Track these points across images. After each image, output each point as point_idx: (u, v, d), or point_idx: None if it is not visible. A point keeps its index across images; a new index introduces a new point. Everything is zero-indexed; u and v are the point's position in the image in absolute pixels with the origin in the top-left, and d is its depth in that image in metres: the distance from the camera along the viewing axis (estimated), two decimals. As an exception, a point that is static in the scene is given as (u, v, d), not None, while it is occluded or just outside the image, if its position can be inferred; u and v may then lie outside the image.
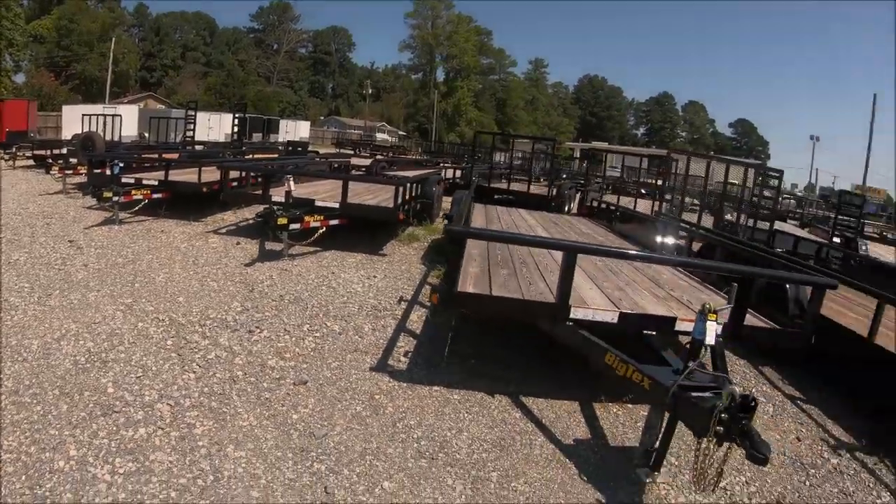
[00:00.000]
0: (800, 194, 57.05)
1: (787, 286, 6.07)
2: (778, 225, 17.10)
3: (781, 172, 13.18)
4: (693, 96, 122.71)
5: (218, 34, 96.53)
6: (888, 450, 5.01)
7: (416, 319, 6.65)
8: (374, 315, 6.61)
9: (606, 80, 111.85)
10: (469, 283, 5.20)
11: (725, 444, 3.43)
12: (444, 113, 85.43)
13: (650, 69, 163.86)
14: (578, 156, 28.61)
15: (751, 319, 5.23)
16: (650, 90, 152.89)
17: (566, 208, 15.88)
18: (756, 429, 3.40)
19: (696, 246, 9.17)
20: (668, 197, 14.84)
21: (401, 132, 79.59)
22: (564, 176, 23.70)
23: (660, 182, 16.74)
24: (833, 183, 64.77)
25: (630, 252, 6.06)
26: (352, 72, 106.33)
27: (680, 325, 4.76)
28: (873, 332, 5.61)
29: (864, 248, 15.76)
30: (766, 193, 12.91)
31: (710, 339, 4.07)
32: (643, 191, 17.38)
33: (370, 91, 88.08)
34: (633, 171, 21.97)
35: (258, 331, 5.76)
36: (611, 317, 4.75)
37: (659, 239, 9.24)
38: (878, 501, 4.32)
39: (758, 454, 3.26)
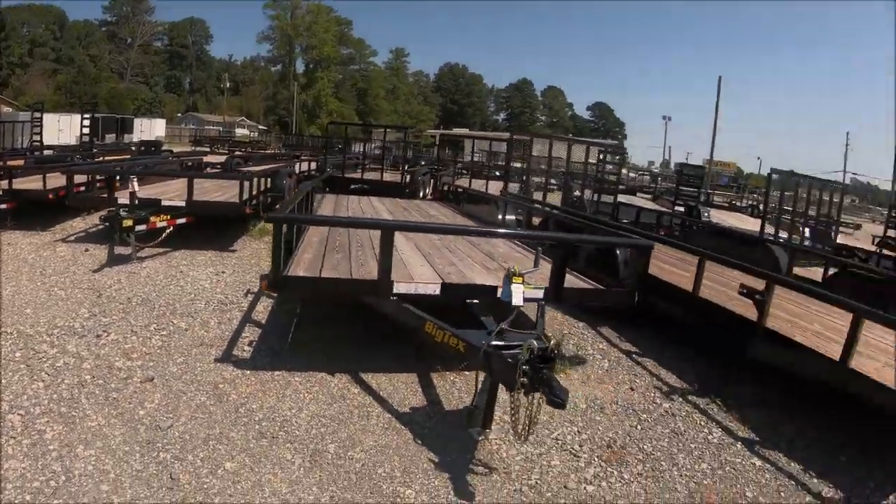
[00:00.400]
0: (656, 170, 60.53)
1: (618, 251, 6.49)
2: (625, 198, 18.19)
3: (623, 150, 13.99)
4: (552, 82, 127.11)
5: (68, 27, 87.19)
6: (718, 390, 5.50)
7: (262, 310, 6.66)
8: (220, 309, 6.56)
9: (467, 67, 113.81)
10: (300, 267, 5.32)
11: (534, 395, 3.67)
12: (304, 105, 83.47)
13: (510, 56, 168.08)
14: (439, 142, 28.98)
15: (576, 282, 5.67)
16: (510, 77, 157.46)
17: (421, 194, 16.27)
18: (556, 377, 3.69)
19: (538, 220, 9.72)
20: (516, 178, 15.47)
21: (261, 126, 77.03)
22: (423, 163, 24.01)
23: (518, 164, 17.31)
24: (686, 159, 69.00)
25: (449, 226, 6.49)
26: (210, 65, 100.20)
27: (500, 293, 5.03)
28: (697, 287, 6.11)
29: (705, 214, 17.01)
30: (610, 169, 13.68)
31: (517, 301, 4.36)
32: (497, 173, 17.91)
33: (228, 85, 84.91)
34: (494, 155, 22.61)
35: (105, 334, 5.58)
36: (433, 289, 5.03)
37: (500, 216, 9.72)
38: (710, 437, 4.71)
39: (556, 399, 3.53)
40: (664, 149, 75.79)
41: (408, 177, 16.88)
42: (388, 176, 16.85)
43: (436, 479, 3.77)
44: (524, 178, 15.28)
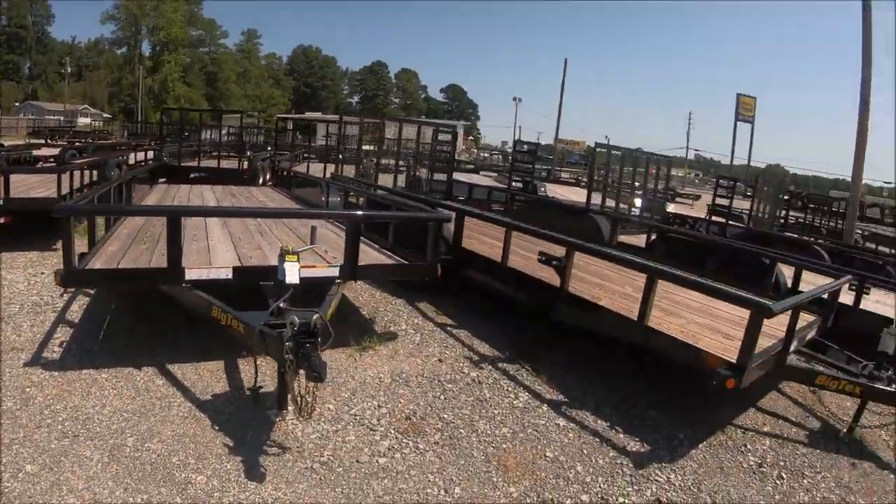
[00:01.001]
0: (508, 150, 62.12)
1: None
2: (464, 176, 18.49)
3: (454, 129, 14.14)
4: (406, 64, 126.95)
5: None
6: (530, 357, 5.66)
7: (78, 309, 6.09)
8: (35, 311, 5.93)
9: (321, 50, 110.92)
10: (99, 260, 5.01)
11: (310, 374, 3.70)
12: (150, 91, 77.20)
13: (364, 38, 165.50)
14: (291, 127, 28.16)
15: (377, 258, 5.77)
16: (364, 59, 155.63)
17: (260, 180, 15.82)
18: (317, 352, 3.71)
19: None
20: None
21: (105, 115, 71.45)
22: (269, 149, 23.27)
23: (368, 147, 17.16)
24: (538, 138, 71.11)
25: (237, 209, 6.53)
26: (51, 48, 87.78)
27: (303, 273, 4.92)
28: (505, 257, 6.24)
29: (541, 189, 17.54)
30: (445, 149, 13.76)
31: (291, 279, 4.27)
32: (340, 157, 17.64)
33: (70, 70, 77.93)
34: (347, 138, 22.26)
35: None
36: (225, 273, 4.90)
37: (324, 198, 9.60)
38: (516, 402, 4.82)
39: (314, 373, 3.59)
40: (514, 129, 77.78)
41: (245, 163, 16.38)
42: (227, 163, 16.26)
43: (228, 462, 3.66)
44: (363, 160, 15.22)
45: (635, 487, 3.83)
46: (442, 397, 4.78)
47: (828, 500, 4.03)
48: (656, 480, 3.94)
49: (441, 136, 13.59)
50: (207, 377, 4.76)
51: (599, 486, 3.78)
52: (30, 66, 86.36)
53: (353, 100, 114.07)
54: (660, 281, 4.82)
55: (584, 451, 4.18)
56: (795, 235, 14.34)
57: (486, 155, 52.60)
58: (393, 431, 4.19)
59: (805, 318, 5.58)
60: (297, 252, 4.46)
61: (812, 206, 18.86)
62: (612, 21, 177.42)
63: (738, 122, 54.86)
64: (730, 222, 13.25)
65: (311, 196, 10.57)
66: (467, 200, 12.35)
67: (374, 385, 4.87)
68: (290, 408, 3.95)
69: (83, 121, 60.84)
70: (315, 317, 3.82)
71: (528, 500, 3.54)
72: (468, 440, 4.18)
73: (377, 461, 3.82)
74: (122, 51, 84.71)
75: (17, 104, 71.08)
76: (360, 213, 6.50)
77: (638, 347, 4.98)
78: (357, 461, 3.81)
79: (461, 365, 5.46)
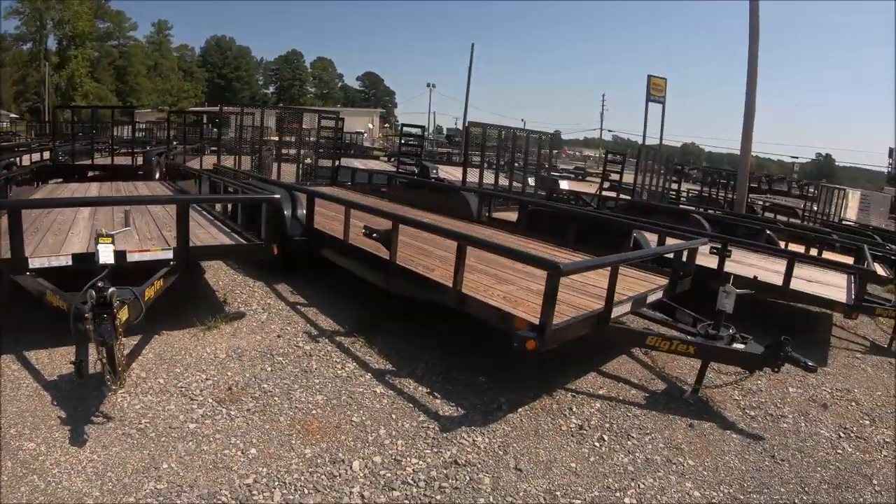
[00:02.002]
0: (429, 136, 62.26)
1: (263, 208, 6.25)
2: (360, 162, 18.56)
3: (337, 114, 14.19)
4: (323, 53, 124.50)
5: None
6: (369, 329, 5.76)
7: None
8: None
9: (234, 40, 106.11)
10: None
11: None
12: (58, 87, 72.82)
13: (279, 27, 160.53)
14: (206, 120, 27.49)
15: (211, 239, 5.90)
16: (279, 48, 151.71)
17: (157, 175, 15.48)
18: (112, 323, 3.78)
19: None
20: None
21: (12, 115, 67.17)
22: (176, 144, 22.61)
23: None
24: (455, 124, 71.41)
25: (69, 199, 7.46)
26: None
27: (130, 257, 4.98)
28: (346, 234, 6.36)
29: (434, 172, 17.77)
30: (328, 135, 13.81)
31: (107, 260, 4.35)
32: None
33: (-28, 70, 72.95)
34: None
35: None
36: (65, 260, 4.89)
37: (199, 189, 9.64)
38: (341, 372, 4.88)
39: (100, 338, 3.72)
40: (429, 115, 77.95)
41: (139, 159, 15.99)
42: (119, 160, 15.83)
43: (58, 432, 3.70)
44: (258, 151, 15.12)
45: (434, 450, 3.82)
46: (269, 369, 4.81)
47: (651, 460, 3.98)
48: (460, 443, 3.92)
49: (325, 124, 13.66)
50: (59, 360, 4.67)
51: (397, 448, 3.80)
52: None
53: (268, 90, 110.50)
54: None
55: (393, 416, 4.20)
56: (679, 206, 15.04)
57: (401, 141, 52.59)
58: (211, 401, 4.22)
59: (651, 281, 5.90)
60: (111, 235, 4.55)
61: (710, 179, 20.01)
62: (528, 6, 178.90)
63: (650, 103, 56.20)
64: (620, 196, 13.84)
65: (189, 187, 10.50)
66: (352, 185, 12.47)
67: (208, 361, 4.87)
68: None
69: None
70: (110, 290, 3.86)
71: (320, 461, 3.61)
72: (279, 407, 4.23)
73: (188, 427, 3.86)
74: (27, 46, 79.34)
75: (-84, 110, 66.09)
76: (188, 196, 6.53)
77: (461, 314, 4.92)
78: (170, 427, 3.84)
79: (298, 340, 5.48)
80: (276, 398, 4.37)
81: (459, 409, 4.42)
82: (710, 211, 14.38)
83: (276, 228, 6.17)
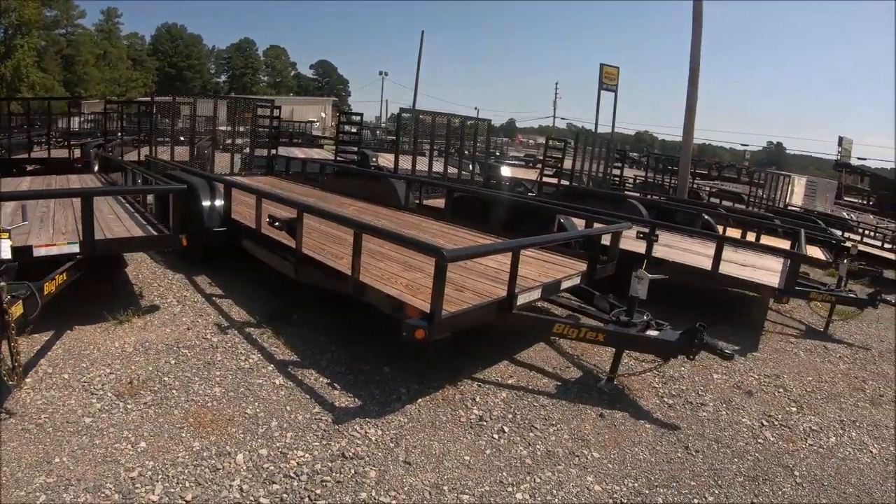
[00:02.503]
0: (381, 124, 62.08)
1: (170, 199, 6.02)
2: (301, 151, 18.41)
3: (272, 102, 14.05)
4: (275, 41, 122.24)
5: None
6: (280, 320, 5.70)
7: None
8: None
9: (186, 28, 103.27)
10: None
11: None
12: (3, 79, 70.64)
13: (231, 14, 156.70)
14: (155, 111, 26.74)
15: (127, 232, 5.78)
16: (231, 37, 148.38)
17: (96, 167, 15.15)
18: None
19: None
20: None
21: None
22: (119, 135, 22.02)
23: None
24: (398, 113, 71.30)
25: None
26: None
27: (37, 251, 4.92)
28: (258, 224, 6.22)
29: (373, 160, 17.74)
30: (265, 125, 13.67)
31: (4, 255, 4.28)
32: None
33: None
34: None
35: None
36: None
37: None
38: (244, 364, 4.79)
39: None
40: (381, 103, 77.47)
41: (78, 152, 15.61)
42: (57, 152, 15.42)
43: None
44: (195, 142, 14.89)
45: (323, 442, 3.72)
46: (173, 362, 4.69)
47: (552, 453, 3.85)
48: (351, 435, 3.81)
49: (260, 112, 13.50)
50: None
51: (285, 441, 3.71)
52: None
53: (220, 79, 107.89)
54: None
55: (288, 408, 4.11)
56: (616, 192, 15.26)
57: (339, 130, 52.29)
58: (110, 395, 4.10)
59: (570, 267, 5.86)
60: (7, 230, 4.45)
61: (657, 165, 20.44)
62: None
63: (603, 91, 56.64)
64: (561, 182, 14.02)
65: (118, 178, 10.27)
66: (287, 174, 12.39)
67: (115, 355, 4.72)
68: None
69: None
70: (1, 286, 3.79)
71: (206, 454, 3.53)
72: (176, 400, 4.13)
73: (84, 421, 3.76)
74: None
75: None
76: (91, 188, 6.40)
77: (359, 302, 4.81)
78: (67, 422, 3.74)
79: (207, 332, 5.36)
80: (175, 391, 4.26)
81: (357, 400, 4.31)
82: (649, 196, 14.62)
83: (188, 219, 6.05)
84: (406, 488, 3.37)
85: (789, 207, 19.01)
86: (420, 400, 4.38)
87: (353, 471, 3.47)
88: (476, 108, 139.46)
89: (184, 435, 3.74)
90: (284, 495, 3.21)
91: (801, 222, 10.92)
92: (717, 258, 6.51)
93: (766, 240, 9.11)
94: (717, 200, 17.92)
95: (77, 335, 5.14)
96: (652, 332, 4.67)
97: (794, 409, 4.96)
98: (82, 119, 23.95)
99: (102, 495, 3.12)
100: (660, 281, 5.14)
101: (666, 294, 6.36)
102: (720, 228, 9.76)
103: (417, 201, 10.12)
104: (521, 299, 4.67)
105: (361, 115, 16.85)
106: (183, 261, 7.40)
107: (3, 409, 3.82)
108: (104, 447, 3.56)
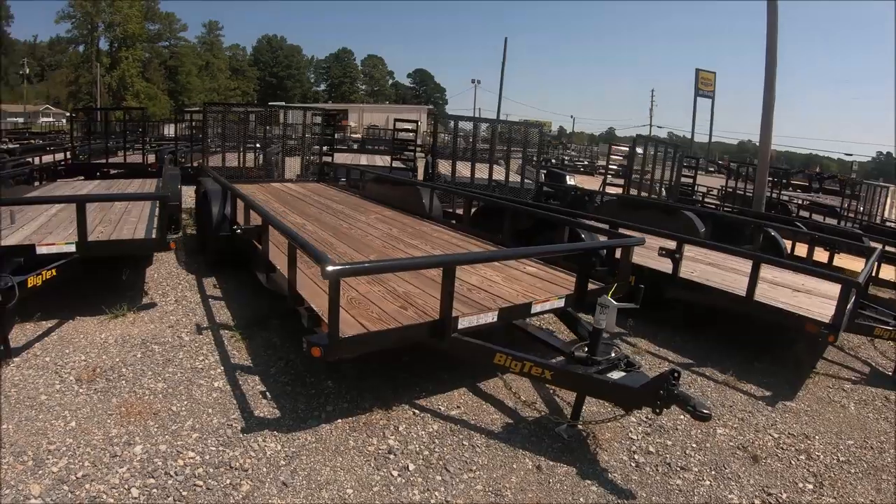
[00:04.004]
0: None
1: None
2: (360, 159, 18.99)
3: (326, 111, 14.66)
4: (373, 50, 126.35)
5: None
6: (254, 325, 6.01)
7: None
8: None
9: (286, 39, 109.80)
10: None
11: None
12: (109, 87, 76.84)
13: (329, 26, 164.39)
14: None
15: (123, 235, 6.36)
16: (330, 47, 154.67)
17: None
18: None
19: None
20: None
21: (68, 114, 70.09)
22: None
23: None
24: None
25: None
26: (12, 48, 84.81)
27: (39, 249, 5.61)
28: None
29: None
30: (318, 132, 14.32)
31: None
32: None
33: (27, 70, 76.93)
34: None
35: None
36: None
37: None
38: (198, 363, 5.14)
39: None
40: (474, 111, 78.34)
41: (151, 157, 16.88)
42: (132, 158, 16.78)
43: None
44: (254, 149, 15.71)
45: (220, 448, 3.84)
46: (139, 356, 5.12)
47: None
48: (249, 446, 3.90)
49: (316, 120, 14.19)
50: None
51: (187, 441, 3.89)
52: None
53: (319, 88, 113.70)
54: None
55: (209, 411, 4.27)
56: (671, 202, 14.80)
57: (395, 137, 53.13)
58: (72, 379, 4.62)
59: (563, 285, 5.45)
60: None
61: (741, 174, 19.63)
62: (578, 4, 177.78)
63: (699, 98, 54.96)
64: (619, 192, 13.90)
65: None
66: (335, 179, 13.10)
67: (96, 344, 5.29)
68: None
69: (46, 121, 60.22)
70: None
71: (116, 440, 3.85)
72: (121, 389, 4.52)
73: (40, 399, 4.29)
74: (79, 48, 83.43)
75: (-26, 107, 70.00)
76: (84, 195, 7.03)
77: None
78: (27, 397, 4.29)
79: (184, 331, 5.76)
80: (124, 382, 4.68)
81: (278, 411, 4.35)
82: (715, 208, 14.01)
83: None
84: None
85: (887, 223, 17.67)
86: (340, 420, 4.27)
87: (229, 481, 3.50)
88: (572, 117, 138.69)
89: (109, 422, 4.11)
90: (154, 490, 3.40)
91: (887, 239, 9.62)
92: (753, 280, 5.72)
93: (843, 260, 8.44)
94: (806, 214, 16.95)
95: (75, 325, 5.79)
96: (615, 374, 4.04)
97: (811, 485, 3.97)
98: (184, 126, 25.46)
99: (21, 460, 3.56)
100: (697, 305, 5.07)
101: (706, 320, 6.46)
102: (788, 245, 9.16)
103: (451, 209, 10.35)
104: (465, 323, 4.35)
105: (416, 122, 17.13)
106: (205, 264, 8.12)
107: None
108: (42, 422, 4.03)
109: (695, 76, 48.43)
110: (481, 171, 12.80)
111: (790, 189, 22.00)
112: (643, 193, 14.35)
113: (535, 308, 4.91)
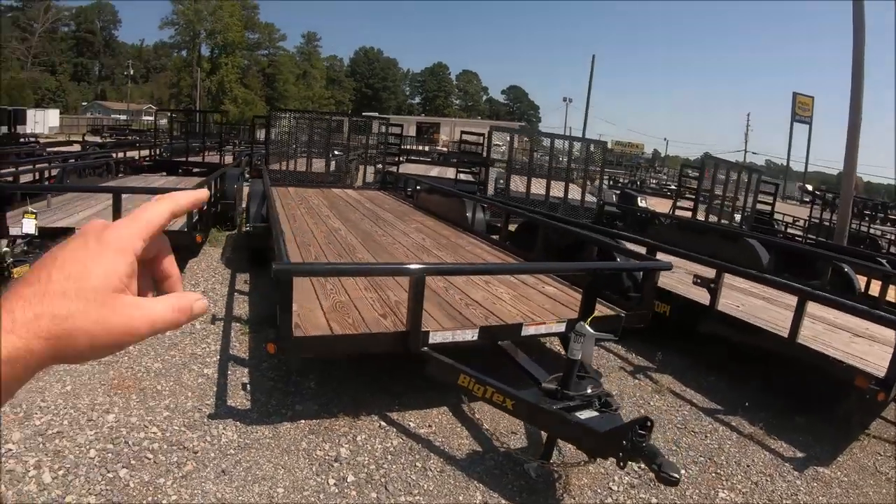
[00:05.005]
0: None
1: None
2: (431, 170, 19.36)
3: (387, 121, 15.16)
4: (467, 66, 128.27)
5: None
6: (267, 322, 6.20)
7: None
8: None
9: (382, 51, 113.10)
10: None
11: None
12: (209, 91, 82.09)
13: (425, 40, 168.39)
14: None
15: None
16: (425, 61, 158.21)
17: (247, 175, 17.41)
18: None
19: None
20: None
21: (170, 114, 74.19)
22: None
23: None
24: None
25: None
26: (119, 51, 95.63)
27: None
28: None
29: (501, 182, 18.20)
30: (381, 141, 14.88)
31: (28, 230, 5.54)
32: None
33: (132, 72, 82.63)
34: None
35: None
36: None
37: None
38: (200, 351, 5.56)
39: None
40: (564, 130, 78.07)
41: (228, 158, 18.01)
42: (213, 158, 18.07)
43: None
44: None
45: (182, 429, 4.11)
46: (151, 339, 5.62)
47: None
48: (208, 431, 4.10)
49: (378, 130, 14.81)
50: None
51: (156, 418, 4.22)
52: (99, 68, 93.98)
53: (414, 101, 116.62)
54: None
55: (189, 394, 4.62)
56: (736, 228, 14.39)
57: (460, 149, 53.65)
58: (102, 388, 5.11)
59: (568, 306, 5.28)
60: (34, 212, 5.71)
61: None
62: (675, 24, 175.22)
63: (795, 123, 52.84)
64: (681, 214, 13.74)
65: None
66: (395, 188, 13.74)
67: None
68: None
69: (147, 119, 64.01)
70: (4, 251, 5.14)
71: (97, 407, 4.26)
72: (121, 364, 4.99)
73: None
74: (182, 53, 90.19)
75: (84, 104, 76.18)
76: (118, 187, 7.72)
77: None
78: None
79: (199, 321, 6.07)
80: (127, 358, 5.18)
81: (248, 403, 4.56)
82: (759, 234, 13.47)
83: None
84: (197, 491, 3.50)
85: None
86: (303, 421, 4.35)
87: (176, 459, 3.74)
88: (665, 140, 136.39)
89: (99, 390, 4.60)
90: (109, 455, 3.71)
91: None
92: (798, 319, 5.02)
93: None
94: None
95: None
96: (585, 414, 3.65)
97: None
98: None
99: (15, 411, 4.09)
100: (734, 342, 4.75)
101: (749, 360, 6.00)
102: (862, 282, 8.26)
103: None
104: (437, 338, 4.24)
105: (482, 135, 17.35)
106: (245, 260, 8.60)
107: None
108: (45, 383, 4.57)
109: (792, 100, 46.45)
110: (551, 188, 12.95)
111: (887, 224, 20.74)
112: (713, 218, 14.01)
113: (528, 330, 4.66)
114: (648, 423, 3.27)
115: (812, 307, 5.23)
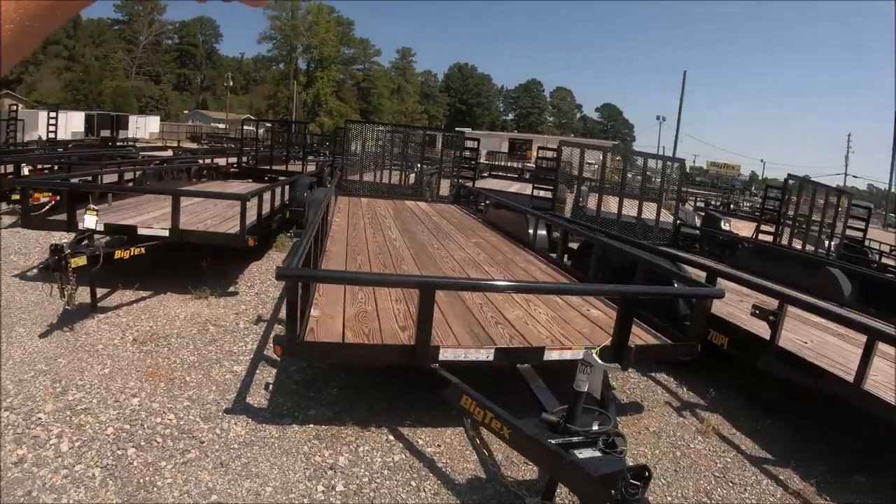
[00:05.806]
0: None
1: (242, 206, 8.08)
2: (511, 186, 19.47)
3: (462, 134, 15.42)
4: (561, 83, 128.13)
5: (82, 26, 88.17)
6: None
7: None
8: None
9: (476, 68, 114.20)
10: None
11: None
12: (304, 104, 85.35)
13: (519, 57, 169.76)
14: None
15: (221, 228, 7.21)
16: (519, 77, 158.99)
17: (329, 184, 18.09)
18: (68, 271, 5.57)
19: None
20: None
21: (268, 124, 77.06)
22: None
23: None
24: (694, 161, 70.35)
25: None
26: (220, 63, 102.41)
27: (141, 231, 6.99)
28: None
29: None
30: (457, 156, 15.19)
31: (89, 226, 6.37)
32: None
33: (231, 83, 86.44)
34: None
35: None
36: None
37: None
38: (236, 348, 5.58)
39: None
40: (658, 149, 76.70)
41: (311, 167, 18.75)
42: (296, 167, 18.73)
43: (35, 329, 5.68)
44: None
45: (197, 419, 4.33)
46: (194, 332, 6.05)
47: None
48: (219, 424, 4.29)
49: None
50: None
51: (178, 405, 4.51)
52: (201, 79, 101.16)
53: (507, 117, 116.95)
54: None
55: (213, 388, 4.88)
56: (820, 257, 13.71)
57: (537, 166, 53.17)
58: (130, 338, 5.74)
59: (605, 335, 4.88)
60: (96, 209, 6.30)
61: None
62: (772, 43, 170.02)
63: None
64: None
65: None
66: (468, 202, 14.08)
67: (168, 317, 6.43)
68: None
69: (247, 129, 66.90)
70: (64, 242, 5.83)
71: (127, 391, 4.64)
72: (160, 354, 5.44)
73: (97, 348, 5.44)
74: (279, 66, 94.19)
75: (185, 112, 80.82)
76: (178, 189, 8.32)
77: None
78: (90, 345, 5.48)
79: (244, 320, 6.58)
80: (167, 349, 5.63)
81: (265, 403, 4.74)
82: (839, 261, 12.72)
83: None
84: (192, 478, 3.67)
85: None
86: (312, 426, 4.41)
87: (183, 445, 3.99)
88: (762, 161, 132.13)
89: (133, 374, 5.04)
90: (124, 434, 4.04)
91: None
92: (865, 362, 4.33)
93: None
94: None
95: (162, 299, 7.02)
96: (585, 452, 3.30)
97: None
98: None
99: (54, 385, 4.64)
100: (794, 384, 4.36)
101: (815, 404, 5.27)
102: None
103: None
104: (448, 355, 4.17)
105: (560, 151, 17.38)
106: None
107: (69, 327, 5.76)
108: (87, 363, 5.13)
109: (894, 120, 43.55)
110: (628, 208, 12.82)
111: None
112: (797, 243, 13.42)
113: (551, 355, 4.41)
114: (647, 474, 2.96)
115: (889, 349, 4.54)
